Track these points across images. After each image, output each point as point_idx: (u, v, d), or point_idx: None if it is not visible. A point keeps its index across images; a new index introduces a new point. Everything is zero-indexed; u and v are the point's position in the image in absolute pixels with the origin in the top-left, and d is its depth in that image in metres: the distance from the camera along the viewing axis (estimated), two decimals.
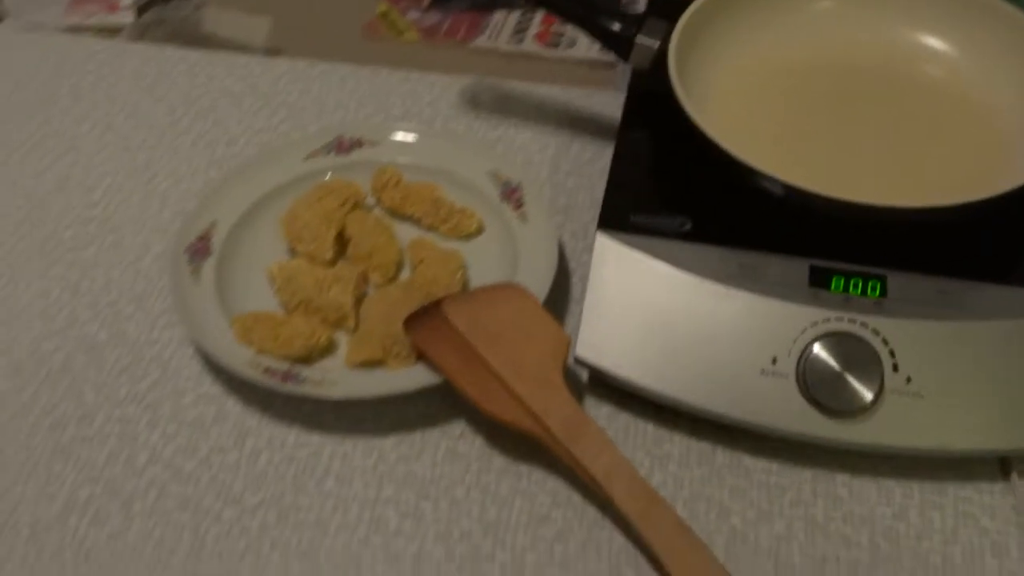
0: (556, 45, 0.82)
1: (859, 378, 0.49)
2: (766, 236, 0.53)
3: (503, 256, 0.61)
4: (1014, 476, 0.51)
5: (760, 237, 0.53)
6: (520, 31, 0.83)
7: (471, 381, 0.52)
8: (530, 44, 0.82)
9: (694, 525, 0.49)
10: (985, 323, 0.50)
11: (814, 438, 0.50)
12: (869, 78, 0.61)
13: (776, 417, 0.50)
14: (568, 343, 0.54)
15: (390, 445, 0.55)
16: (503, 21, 0.84)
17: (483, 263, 0.61)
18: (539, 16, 0.85)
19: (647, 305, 0.52)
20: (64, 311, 0.62)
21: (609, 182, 0.58)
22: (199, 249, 0.60)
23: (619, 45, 0.61)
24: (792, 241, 0.53)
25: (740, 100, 0.60)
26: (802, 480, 0.52)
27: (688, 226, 0.54)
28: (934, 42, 0.63)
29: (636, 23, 0.61)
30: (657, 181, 0.58)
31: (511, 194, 0.64)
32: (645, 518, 0.48)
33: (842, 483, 0.52)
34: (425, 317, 0.55)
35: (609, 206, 0.56)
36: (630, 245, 0.53)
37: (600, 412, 0.55)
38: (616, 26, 0.61)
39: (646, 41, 0.60)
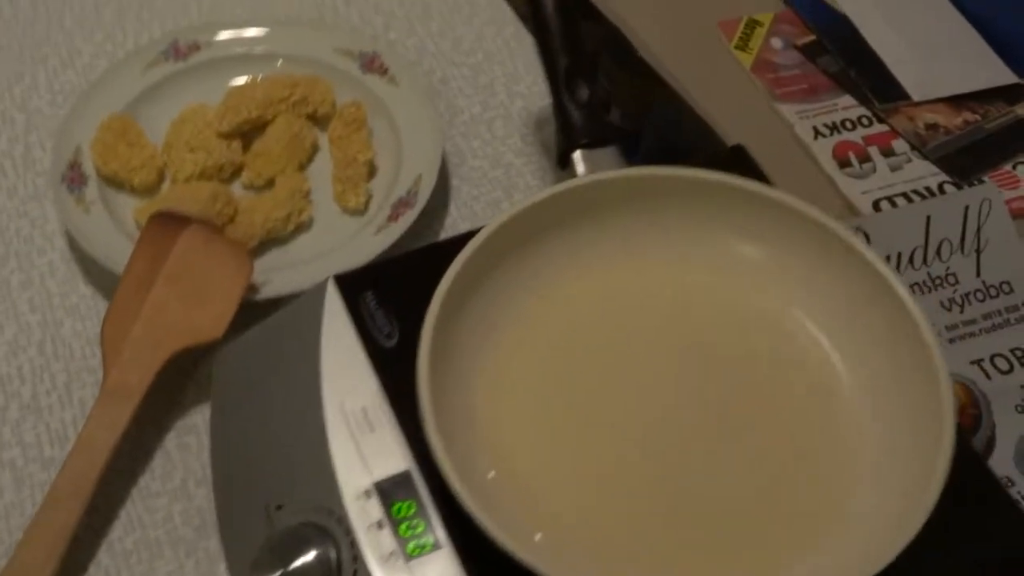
0: None
1: None
2: None
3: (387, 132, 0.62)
4: None
5: None
6: None
7: (128, 292, 0.52)
8: None
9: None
10: None
11: None
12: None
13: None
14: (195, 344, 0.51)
15: None
16: None
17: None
18: None
19: None
20: None
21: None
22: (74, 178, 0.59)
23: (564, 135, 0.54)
24: None
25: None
26: None
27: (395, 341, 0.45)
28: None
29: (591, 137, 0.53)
30: None
31: (371, 63, 0.63)
32: (49, 506, 0.47)
33: None
34: (173, 221, 0.53)
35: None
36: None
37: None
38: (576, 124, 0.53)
39: (580, 165, 0.52)
